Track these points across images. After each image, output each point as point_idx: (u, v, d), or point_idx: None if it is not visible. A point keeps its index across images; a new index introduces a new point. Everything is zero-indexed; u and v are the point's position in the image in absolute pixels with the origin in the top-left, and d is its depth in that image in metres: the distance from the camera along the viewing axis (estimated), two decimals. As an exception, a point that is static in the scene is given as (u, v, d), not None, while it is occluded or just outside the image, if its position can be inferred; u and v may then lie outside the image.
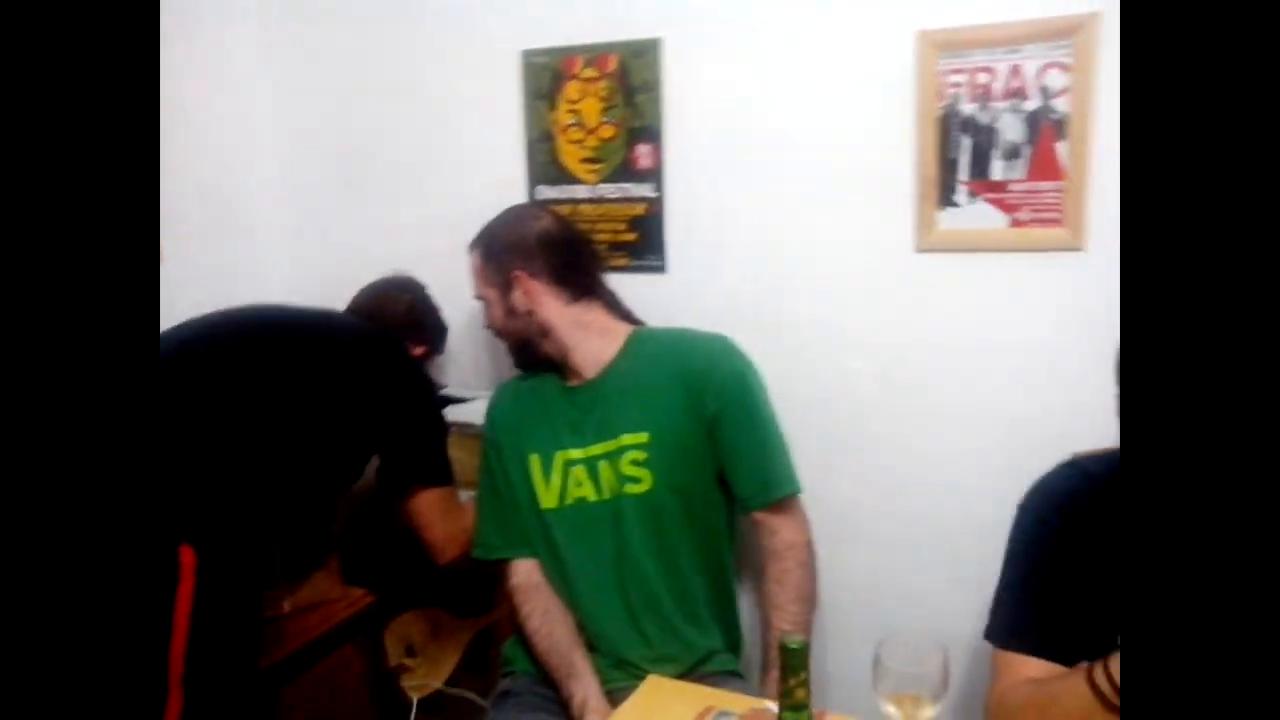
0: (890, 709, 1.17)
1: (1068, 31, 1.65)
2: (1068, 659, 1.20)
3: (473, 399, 2.13)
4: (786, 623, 1.71)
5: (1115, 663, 1.12)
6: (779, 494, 1.77)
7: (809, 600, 1.75)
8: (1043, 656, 1.24)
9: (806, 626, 1.74)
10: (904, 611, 1.89)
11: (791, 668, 0.96)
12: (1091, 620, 1.19)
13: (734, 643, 1.86)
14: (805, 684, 0.96)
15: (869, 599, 1.95)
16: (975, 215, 1.76)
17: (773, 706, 1.31)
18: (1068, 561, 1.27)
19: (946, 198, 1.78)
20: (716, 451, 1.76)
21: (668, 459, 1.74)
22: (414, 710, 1.98)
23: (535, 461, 1.80)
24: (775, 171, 1.91)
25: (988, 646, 1.35)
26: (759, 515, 1.78)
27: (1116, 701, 1.10)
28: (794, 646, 0.96)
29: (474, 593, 2.07)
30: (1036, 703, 1.20)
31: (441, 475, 1.90)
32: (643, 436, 1.74)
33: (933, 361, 1.84)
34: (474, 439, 1.96)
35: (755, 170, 1.92)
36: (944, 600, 1.79)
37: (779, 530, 1.76)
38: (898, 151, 1.80)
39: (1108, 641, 1.14)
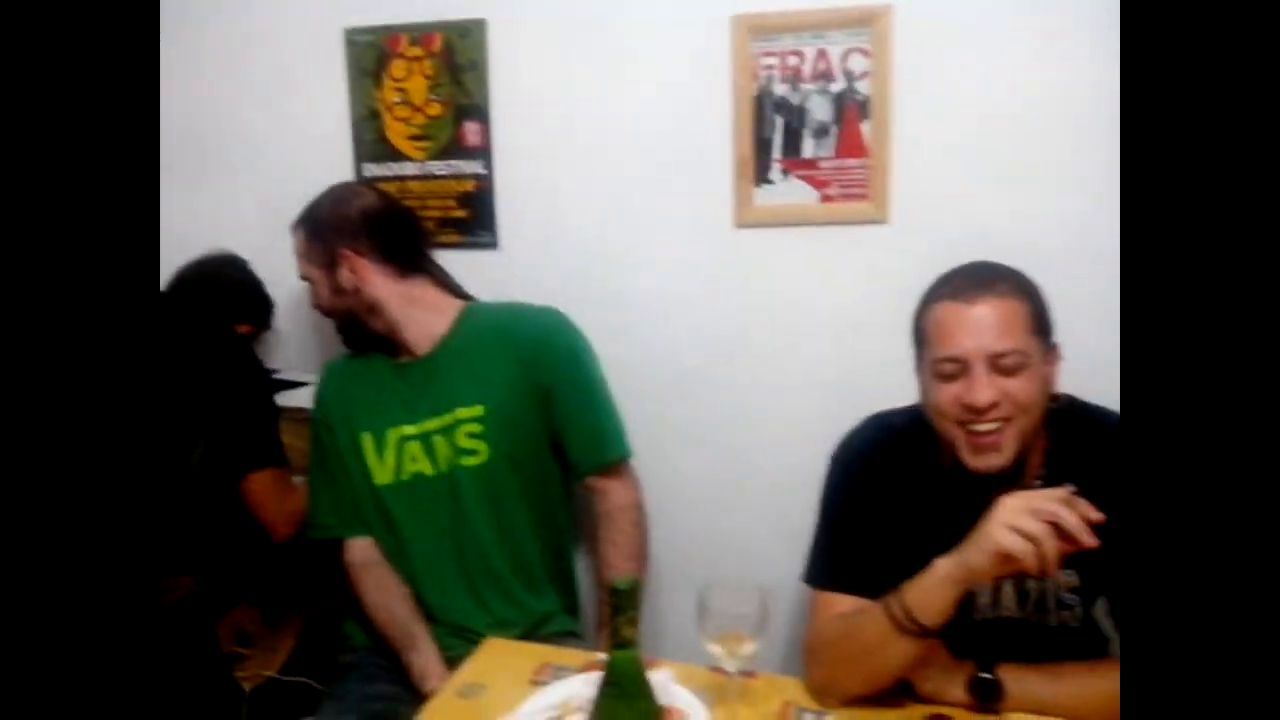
0: (715, 648, 1.25)
1: (867, 20, 1.77)
2: (873, 594, 1.30)
3: (305, 383, 2.10)
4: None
5: (906, 592, 1.23)
6: (610, 458, 1.83)
7: (640, 558, 1.83)
8: (851, 593, 1.35)
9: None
10: (734, 563, 1.99)
11: (619, 607, 1.01)
12: (891, 557, 1.30)
13: (572, 605, 1.91)
14: (634, 622, 1.02)
15: (700, 554, 2.05)
16: (789, 191, 1.87)
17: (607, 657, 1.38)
18: (870, 506, 1.38)
19: (762, 175, 1.88)
20: (550, 421, 1.81)
21: (503, 430, 1.77)
22: (246, 700, 1.94)
23: (368, 439, 1.80)
24: (602, 150, 1.97)
25: (809, 589, 1.45)
26: (591, 480, 1.84)
27: (907, 625, 1.22)
28: (621, 587, 1.01)
29: (304, 581, 2.04)
30: (845, 634, 1.31)
31: (273, 456, 1.87)
32: (478, 409, 1.76)
33: (753, 330, 1.95)
34: (306, 423, 1.94)
35: (582, 149, 1.98)
36: (769, 550, 1.89)
37: (611, 493, 1.83)
38: (716, 131, 1.89)
39: (905, 575, 1.26)
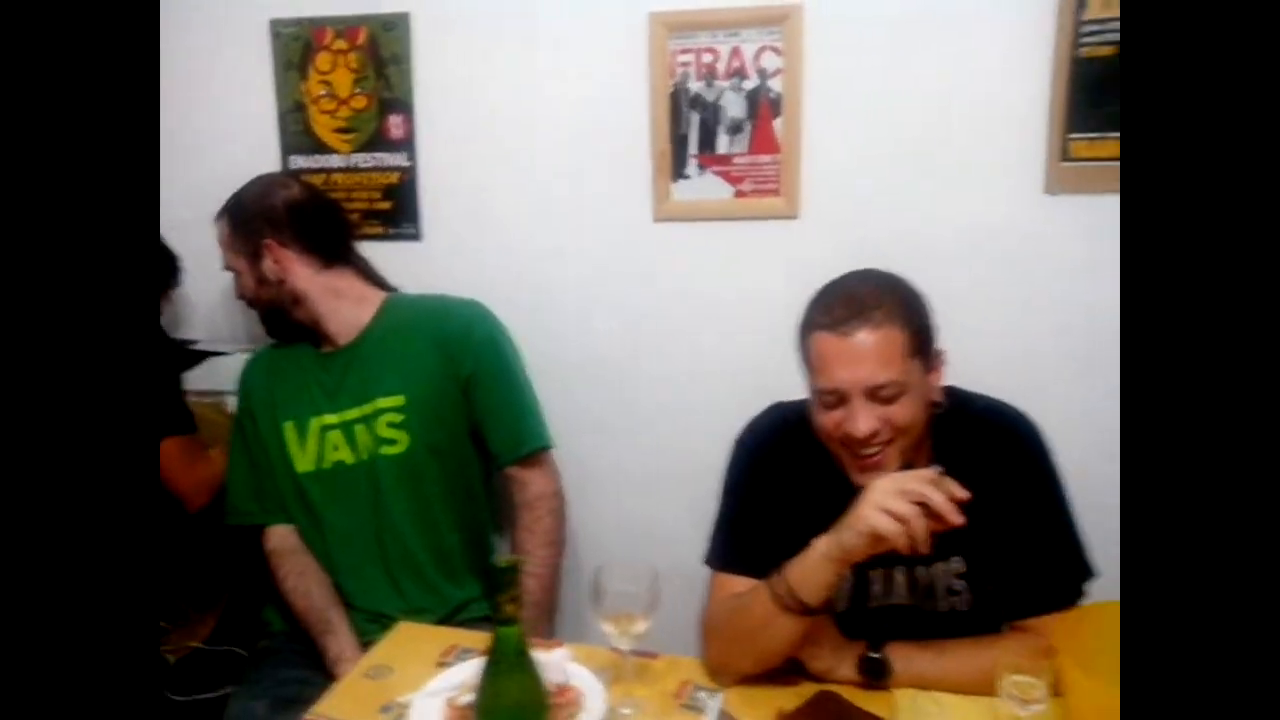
0: (608, 627, 1.29)
1: (778, 19, 1.82)
2: (767, 575, 1.34)
3: (230, 353, 2.10)
4: (536, 566, 1.82)
5: (788, 572, 1.28)
6: (529, 449, 1.86)
7: (556, 544, 1.86)
8: (747, 575, 1.39)
9: (554, 569, 1.85)
10: (653, 548, 2.01)
11: (500, 585, 1.05)
12: (785, 541, 1.34)
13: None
14: (515, 600, 1.05)
15: (620, 539, 2.10)
16: (705, 187, 1.92)
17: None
18: (766, 491, 1.42)
19: (679, 170, 1.92)
20: (471, 412, 1.84)
21: (423, 421, 1.80)
22: (170, 672, 1.94)
23: (290, 428, 1.82)
24: (523, 144, 2.00)
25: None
26: (511, 470, 1.87)
27: (790, 603, 1.27)
28: (501, 566, 1.05)
29: (226, 560, 2.04)
30: (735, 613, 1.36)
31: (182, 423, 1.88)
32: (399, 399, 1.79)
33: (671, 321, 2.00)
34: (218, 399, 1.96)
35: (506, 143, 2.01)
36: (687, 535, 1.90)
37: (530, 483, 1.86)
38: (634, 126, 1.93)
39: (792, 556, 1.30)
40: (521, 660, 1.08)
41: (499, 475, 1.92)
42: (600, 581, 1.29)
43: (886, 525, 1.17)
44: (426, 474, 1.82)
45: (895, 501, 1.17)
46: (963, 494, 1.18)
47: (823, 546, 1.25)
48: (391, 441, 1.80)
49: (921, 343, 1.30)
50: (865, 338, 1.25)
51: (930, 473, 1.21)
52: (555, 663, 1.34)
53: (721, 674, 1.38)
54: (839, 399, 1.29)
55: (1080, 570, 1.36)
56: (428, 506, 1.83)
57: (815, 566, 1.25)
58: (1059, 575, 1.35)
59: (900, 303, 1.29)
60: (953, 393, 1.39)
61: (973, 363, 1.78)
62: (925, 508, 1.17)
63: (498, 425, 1.86)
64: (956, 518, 1.17)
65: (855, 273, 1.35)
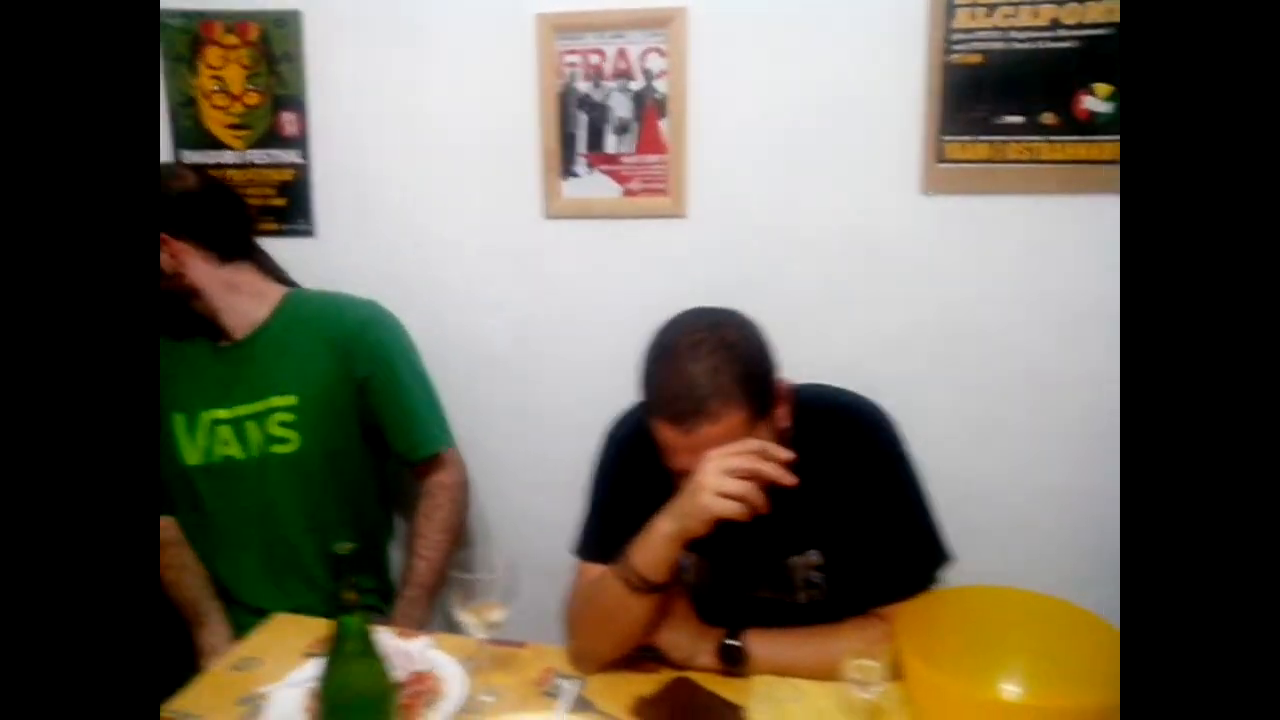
0: (466, 617, 1.31)
1: (663, 21, 1.85)
2: None
3: None
4: (428, 549, 1.84)
5: (633, 554, 1.31)
6: (431, 450, 1.88)
7: (453, 532, 1.88)
8: (609, 563, 1.42)
9: (447, 555, 1.86)
10: (543, 541, 2.03)
11: (340, 572, 1.06)
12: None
13: (383, 591, 1.95)
14: (355, 587, 1.07)
15: (512, 533, 2.12)
16: (594, 185, 1.94)
17: (389, 632, 1.43)
18: (629, 483, 1.44)
19: (568, 169, 1.94)
20: (367, 414, 1.84)
21: (316, 420, 1.80)
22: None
23: (180, 419, 1.81)
24: (416, 141, 2.01)
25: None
26: (414, 470, 1.88)
27: (638, 584, 1.30)
28: (341, 553, 1.06)
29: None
30: (590, 599, 1.39)
31: None
32: (291, 399, 1.79)
33: (561, 318, 2.03)
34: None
35: (397, 140, 2.02)
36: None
37: (433, 478, 1.89)
38: (524, 125, 1.95)
39: None
40: (367, 647, 1.09)
41: (407, 473, 1.94)
42: (456, 574, 1.31)
43: (724, 507, 1.21)
44: (317, 474, 1.82)
45: (728, 483, 1.21)
46: (787, 454, 1.23)
47: (664, 528, 1.28)
48: (283, 440, 1.80)
49: (763, 404, 1.28)
50: (707, 432, 1.23)
51: (754, 442, 1.24)
52: (416, 652, 1.36)
53: (584, 661, 1.40)
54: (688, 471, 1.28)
55: (933, 556, 1.41)
56: (318, 506, 1.83)
57: (658, 547, 1.29)
58: (911, 562, 1.40)
59: (737, 376, 1.25)
60: (803, 390, 1.39)
61: (845, 354, 1.84)
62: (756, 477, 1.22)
63: (396, 429, 1.86)
64: (789, 479, 1.22)
65: (688, 333, 1.29)
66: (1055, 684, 1.25)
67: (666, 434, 1.27)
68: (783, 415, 1.34)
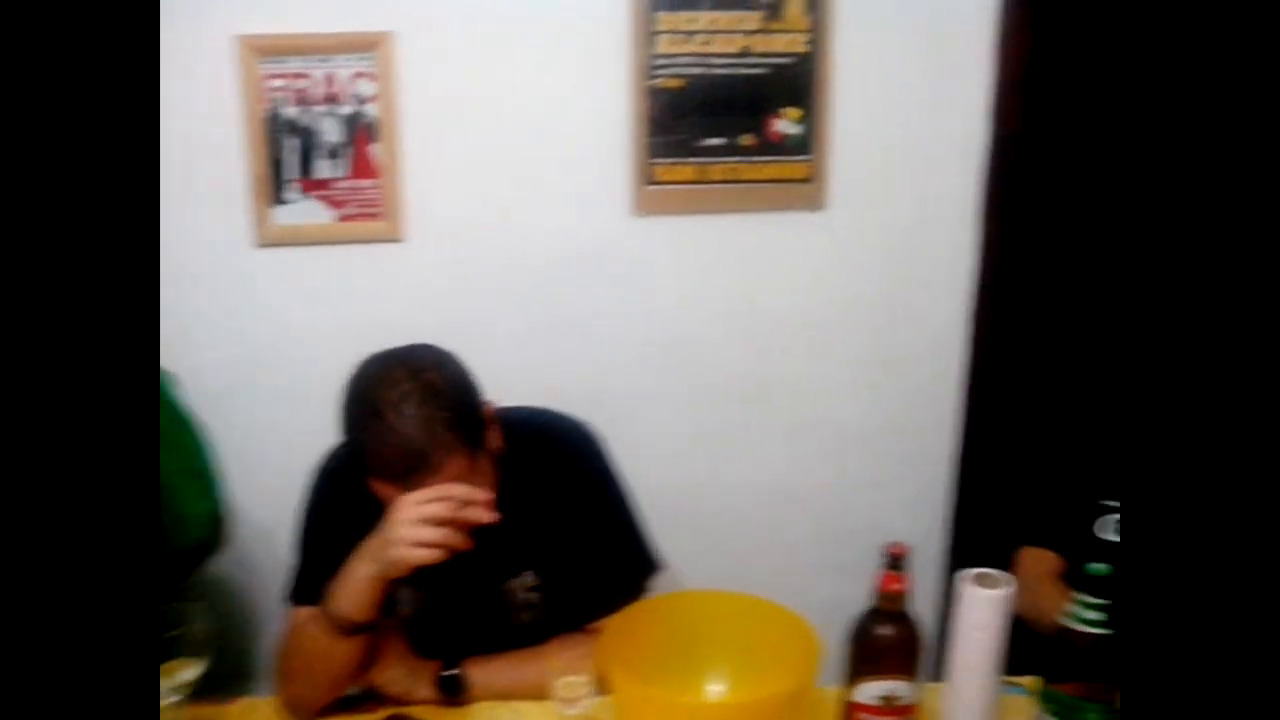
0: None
1: (370, 45, 1.82)
2: None
3: None
4: None
5: (333, 598, 1.27)
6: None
7: None
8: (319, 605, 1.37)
9: None
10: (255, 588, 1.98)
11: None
12: None
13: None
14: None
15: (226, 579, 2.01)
16: (307, 211, 1.89)
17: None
18: (336, 522, 1.38)
19: (278, 195, 1.88)
20: None
21: None
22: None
23: None
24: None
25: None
26: None
27: (343, 625, 1.26)
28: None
29: None
30: (297, 647, 1.34)
31: None
32: None
33: (276, 349, 1.96)
34: None
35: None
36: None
37: None
38: (230, 151, 1.86)
39: None
40: None
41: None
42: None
43: (420, 556, 1.19)
44: None
45: (425, 532, 1.19)
46: (485, 495, 1.22)
47: (362, 570, 1.25)
48: None
49: (476, 439, 1.27)
50: (431, 482, 1.21)
51: (454, 487, 1.21)
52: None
53: (297, 709, 1.35)
54: None
55: (641, 567, 1.45)
56: None
57: (357, 588, 1.26)
58: (620, 575, 1.43)
59: (449, 423, 1.22)
60: (508, 413, 1.38)
61: (562, 372, 1.87)
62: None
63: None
64: (488, 516, 1.22)
65: (390, 386, 1.23)
66: (755, 678, 1.31)
67: (386, 490, 1.24)
68: (495, 437, 1.33)
